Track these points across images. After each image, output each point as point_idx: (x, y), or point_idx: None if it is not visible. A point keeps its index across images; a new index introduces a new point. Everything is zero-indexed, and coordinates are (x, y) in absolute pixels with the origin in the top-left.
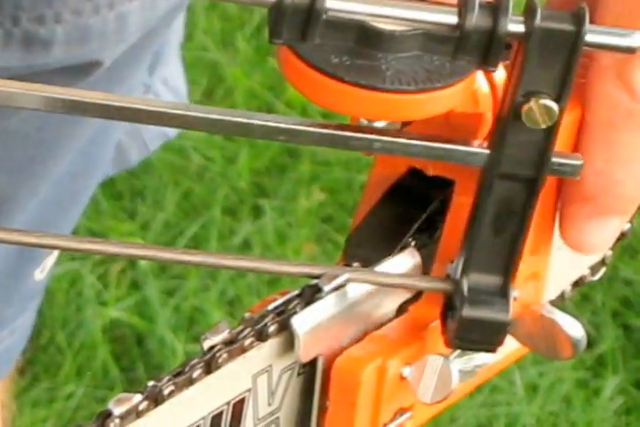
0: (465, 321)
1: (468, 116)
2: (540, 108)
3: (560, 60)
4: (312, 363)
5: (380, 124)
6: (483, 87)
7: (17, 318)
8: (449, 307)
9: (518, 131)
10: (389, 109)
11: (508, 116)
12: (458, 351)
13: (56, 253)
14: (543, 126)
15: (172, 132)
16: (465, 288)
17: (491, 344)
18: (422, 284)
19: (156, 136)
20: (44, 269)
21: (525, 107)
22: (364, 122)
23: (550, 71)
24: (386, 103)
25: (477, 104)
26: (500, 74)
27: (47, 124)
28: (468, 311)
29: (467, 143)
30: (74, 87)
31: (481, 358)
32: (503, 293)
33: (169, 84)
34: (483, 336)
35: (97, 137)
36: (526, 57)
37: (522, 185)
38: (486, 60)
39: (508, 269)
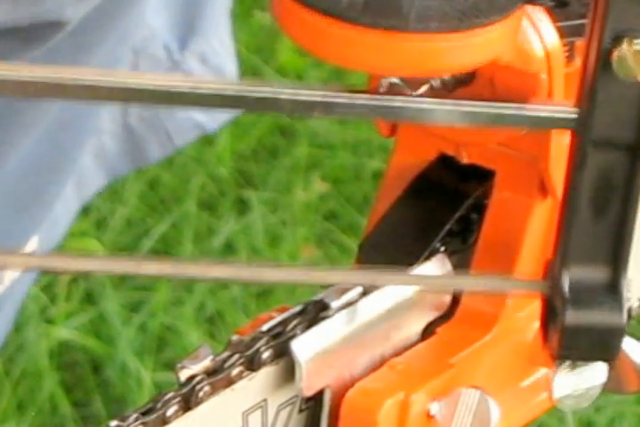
0: (570, 327)
1: (517, 77)
2: (635, 53)
3: None
4: (317, 397)
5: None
6: (535, 43)
7: None
8: (549, 311)
9: (610, 84)
10: (419, 57)
11: (596, 66)
12: (565, 368)
13: None
14: None
15: (211, 123)
16: (566, 287)
17: (605, 352)
18: (506, 286)
19: (184, 128)
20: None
21: (616, 53)
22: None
23: None
24: (414, 49)
25: (529, 61)
26: (551, 33)
27: None
28: (572, 315)
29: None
30: (29, 55)
31: (592, 376)
32: (613, 288)
33: (209, 63)
34: (593, 344)
35: (68, 121)
36: None
37: (622, 153)
38: None
39: (616, 257)
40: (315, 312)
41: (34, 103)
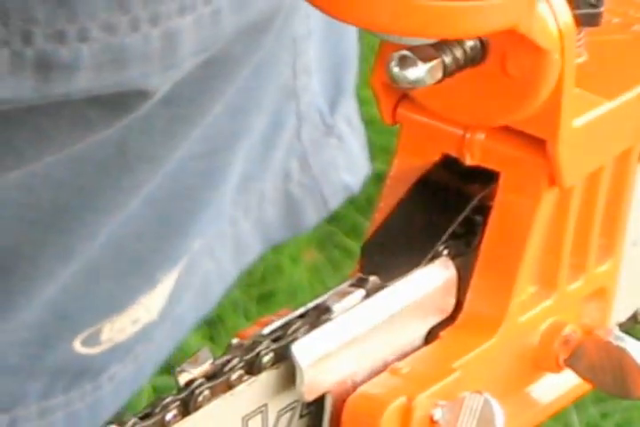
0: None
1: (530, 53)
2: None
3: None
4: (318, 402)
5: (416, 72)
6: (548, 19)
7: (51, 396)
8: None
9: None
10: (437, 18)
11: None
12: None
13: (117, 323)
14: None
15: (355, 184)
16: None
17: None
18: None
19: (337, 190)
20: (91, 343)
21: None
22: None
23: None
24: (431, 10)
25: (544, 36)
26: (565, 14)
27: (90, 168)
28: None
29: None
30: (115, 124)
31: None
32: None
33: (352, 125)
34: None
35: (176, 192)
36: None
37: None
38: None
39: None
40: (316, 315)
41: (133, 171)
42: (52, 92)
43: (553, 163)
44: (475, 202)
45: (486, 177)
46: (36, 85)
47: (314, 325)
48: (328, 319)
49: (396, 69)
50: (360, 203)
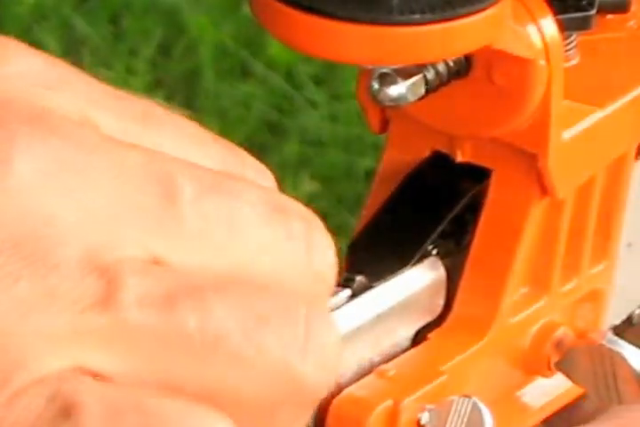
0: None
1: (515, 64)
2: None
3: None
4: None
5: (397, 89)
6: (530, 28)
7: None
8: None
9: None
10: (404, 48)
11: None
12: None
13: None
14: None
15: None
16: None
17: None
18: None
19: None
20: None
21: None
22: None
23: None
24: (398, 40)
25: (524, 46)
26: (548, 21)
27: None
28: None
29: None
30: None
31: None
32: None
33: None
34: None
35: None
36: None
37: None
38: None
39: None
40: None
41: None
42: None
43: (544, 177)
44: (466, 199)
45: (478, 174)
46: None
47: None
48: None
49: (377, 87)
50: (348, 200)
